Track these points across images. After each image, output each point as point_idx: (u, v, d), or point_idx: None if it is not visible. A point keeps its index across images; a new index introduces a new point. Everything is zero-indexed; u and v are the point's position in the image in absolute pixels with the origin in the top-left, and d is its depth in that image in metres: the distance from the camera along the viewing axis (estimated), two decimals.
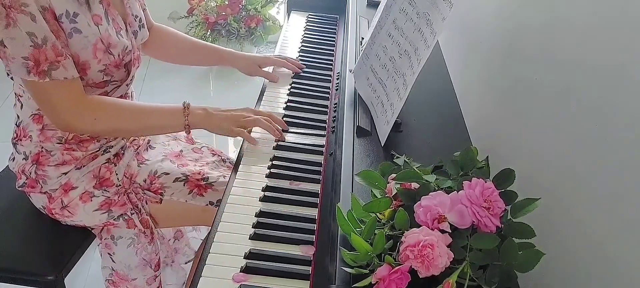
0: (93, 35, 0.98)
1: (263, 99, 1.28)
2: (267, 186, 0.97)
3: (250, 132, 1.10)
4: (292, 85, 1.31)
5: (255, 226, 0.88)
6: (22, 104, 1.06)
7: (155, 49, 1.32)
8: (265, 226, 0.88)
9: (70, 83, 0.96)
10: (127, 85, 1.13)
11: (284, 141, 1.09)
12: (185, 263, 1.41)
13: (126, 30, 1.08)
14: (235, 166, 1.04)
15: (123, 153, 1.16)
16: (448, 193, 0.66)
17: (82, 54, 0.98)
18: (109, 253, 1.15)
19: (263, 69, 1.35)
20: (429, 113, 1.07)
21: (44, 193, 1.10)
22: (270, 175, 1.00)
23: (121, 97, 1.13)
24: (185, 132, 1.09)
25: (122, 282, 1.17)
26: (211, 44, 1.40)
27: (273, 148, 1.08)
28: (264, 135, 1.11)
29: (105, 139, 1.12)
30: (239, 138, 1.10)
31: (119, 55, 1.04)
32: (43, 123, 1.06)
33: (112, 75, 1.05)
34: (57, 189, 1.09)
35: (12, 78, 1.02)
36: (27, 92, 1.02)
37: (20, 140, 1.09)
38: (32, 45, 0.90)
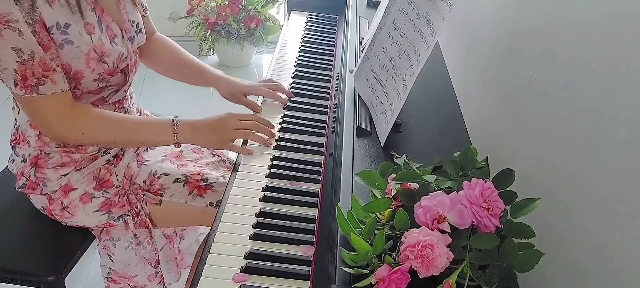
0: (85, 45, 0.97)
1: (263, 100, 1.28)
2: (267, 186, 0.97)
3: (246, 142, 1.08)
4: (292, 85, 1.31)
5: (255, 226, 0.88)
6: (19, 109, 1.06)
7: (149, 59, 1.30)
8: (265, 226, 0.88)
9: (60, 96, 0.95)
10: (125, 90, 1.13)
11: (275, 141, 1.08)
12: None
13: (122, 36, 1.07)
14: (235, 166, 1.04)
15: (123, 154, 1.16)
16: (448, 193, 0.66)
17: (74, 64, 0.97)
18: (108, 254, 1.15)
19: (246, 99, 1.25)
20: (429, 113, 1.06)
21: (44, 194, 1.10)
22: (270, 175, 1.00)
23: (119, 101, 1.13)
24: (175, 147, 1.07)
25: (122, 280, 1.17)
26: (202, 63, 1.31)
27: (273, 149, 1.08)
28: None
29: None
30: (238, 139, 1.09)
31: (113, 63, 1.03)
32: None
33: (107, 82, 1.05)
34: (57, 191, 1.09)
35: None
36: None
37: (19, 143, 1.09)
38: (19, 61, 0.89)
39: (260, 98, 1.25)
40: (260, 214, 0.91)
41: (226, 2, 2.77)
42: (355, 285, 0.63)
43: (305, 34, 1.58)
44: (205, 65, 1.31)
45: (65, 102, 0.97)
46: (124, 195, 1.12)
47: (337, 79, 1.31)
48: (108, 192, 1.11)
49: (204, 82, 1.30)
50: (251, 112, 1.19)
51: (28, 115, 1.02)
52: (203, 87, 1.33)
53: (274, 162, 1.04)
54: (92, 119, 1.03)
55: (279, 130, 1.13)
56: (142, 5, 1.19)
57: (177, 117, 1.07)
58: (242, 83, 1.26)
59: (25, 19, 0.88)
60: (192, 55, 1.33)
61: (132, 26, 1.11)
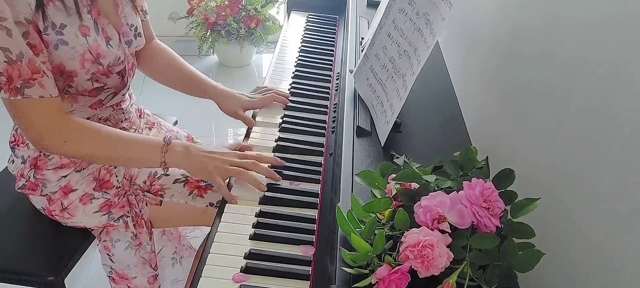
0: (81, 46, 0.96)
1: None
2: (267, 186, 0.97)
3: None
4: (292, 85, 1.31)
5: (255, 226, 0.88)
6: None
7: (146, 67, 1.28)
8: (265, 226, 0.88)
9: (48, 101, 0.92)
10: (123, 94, 1.12)
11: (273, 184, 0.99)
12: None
13: (119, 39, 1.06)
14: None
15: None
16: (448, 193, 0.66)
17: (68, 64, 0.96)
18: (108, 254, 1.15)
19: (243, 113, 1.21)
20: (429, 113, 1.07)
21: (44, 195, 1.10)
22: None
23: (118, 104, 1.13)
24: (162, 169, 1.03)
25: (122, 281, 1.17)
26: (201, 75, 1.28)
27: (273, 149, 1.08)
28: (263, 132, 1.11)
29: None
30: (240, 135, 1.09)
31: (109, 65, 1.02)
32: None
33: (104, 83, 1.05)
34: (56, 192, 1.09)
35: None
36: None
37: (18, 145, 1.09)
38: (6, 61, 0.87)
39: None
40: (260, 214, 0.91)
41: (226, 2, 2.77)
42: (355, 285, 0.63)
43: (305, 34, 1.58)
44: (203, 76, 1.28)
45: (53, 108, 0.94)
46: (124, 196, 1.12)
47: (337, 79, 1.31)
48: (108, 193, 1.11)
49: (203, 94, 1.27)
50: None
51: (14, 120, 0.98)
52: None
53: None
54: (77, 128, 0.98)
55: (279, 130, 1.13)
56: (143, 10, 1.18)
57: (170, 137, 1.02)
58: (241, 98, 1.23)
59: (18, 19, 0.87)
60: (191, 66, 1.29)
61: (131, 30, 1.10)
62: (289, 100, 1.24)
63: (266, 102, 1.23)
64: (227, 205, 0.92)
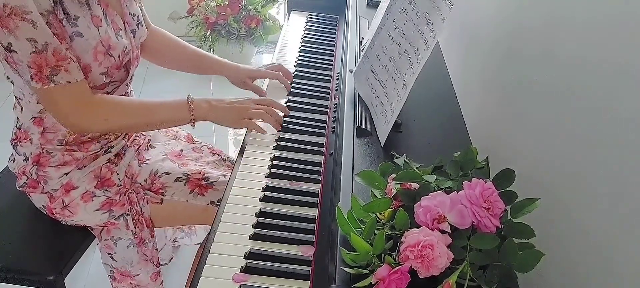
0: (93, 38, 0.98)
1: (268, 85, 1.30)
2: (267, 186, 0.97)
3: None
4: (292, 85, 1.31)
5: (255, 226, 0.88)
6: (22, 107, 1.06)
7: (150, 54, 1.31)
8: (265, 226, 0.88)
9: (76, 86, 0.96)
10: (126, 84, 1.13)
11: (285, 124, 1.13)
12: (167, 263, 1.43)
13: (125, 29, 1.08)
14: (235, 165, 1.04)
15: (124, 153, 1.17)
16: (448, 193, 0.66)
17: (83, 58, 0.98)
18: (109, 253, 1.16)
19: (253, 83, 1.32)
20: (429, 113, 1.07)
21: (45, 193, 1.10)
22: (270, 175, 1.00)
23: (122, 96, 1.13)
24: (191, 126, 1.10)
25: (124, 278, 1.17)
26: (203, 51, 1.36)
27: (273, 149, 1.08)
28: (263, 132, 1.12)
29: (106, 139, 1.12)
30: (240, 135, 1.10)
31: (119, 57, 1.04)
32: (43, 126, 1.06)
33: (112, 76, 1.06)
34: (58, 189, 1.09)
35: (12, 82, 1.02)
36: (29, 96, 1.02)
37: (20, 142, 1.09)
38: (33, 52, 0.90)
39: (266, 82, 1.31)
40: (260, 214, 0.91)
41: (226, 2, 2.77)
42: (355, 285, 0.63)
43: (305, 34, 1.58)
44: (205, 53, 1.36)
45: (83, 92, 0.98)
46: (125, 194, 1.12)
47: (337, 79, 1.31)
48: (109, 191, 1.11)
49: (209, 70, 1.35)
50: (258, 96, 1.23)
51: (46, 108, 1.03)
52: (207, 75, 1.37)
53: (274, 162, 1.04)
54: (112, 106, 1.05)
55: (280, 130, 1.14)
56: None
57: (191, 95, 1.09)
58: (246, 68, 1.33)
59: (40, 10, 0.89)
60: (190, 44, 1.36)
61: (133, 19, 1.12)
62: (289, 99, 1.24)
63: (270, 76, 1.30)
64: (227, 204, 0.93)
